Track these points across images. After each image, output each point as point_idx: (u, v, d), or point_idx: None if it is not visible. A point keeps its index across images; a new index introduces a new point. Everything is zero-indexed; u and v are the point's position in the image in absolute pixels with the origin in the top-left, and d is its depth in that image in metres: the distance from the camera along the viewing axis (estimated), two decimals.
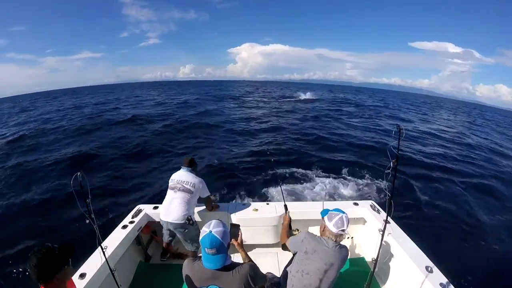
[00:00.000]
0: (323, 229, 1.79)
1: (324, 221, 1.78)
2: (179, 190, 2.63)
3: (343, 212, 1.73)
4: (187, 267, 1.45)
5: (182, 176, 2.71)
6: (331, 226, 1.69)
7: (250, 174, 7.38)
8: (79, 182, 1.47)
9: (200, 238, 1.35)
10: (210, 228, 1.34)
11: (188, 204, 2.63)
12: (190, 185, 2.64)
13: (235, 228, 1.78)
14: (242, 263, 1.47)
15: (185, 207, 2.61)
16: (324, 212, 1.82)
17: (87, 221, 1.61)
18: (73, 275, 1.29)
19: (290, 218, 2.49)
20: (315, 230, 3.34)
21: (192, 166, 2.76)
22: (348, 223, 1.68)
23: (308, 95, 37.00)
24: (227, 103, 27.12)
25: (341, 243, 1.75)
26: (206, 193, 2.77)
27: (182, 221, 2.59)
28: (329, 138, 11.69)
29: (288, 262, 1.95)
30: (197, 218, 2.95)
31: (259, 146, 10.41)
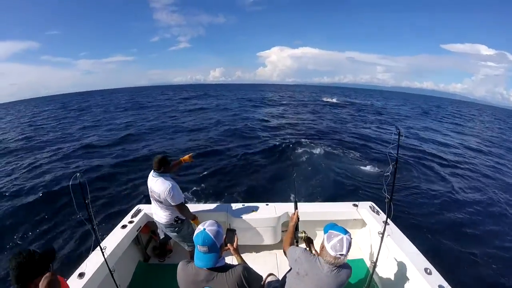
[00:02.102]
0: (322, 248, 1.55)
1: (324, 240, 1.54)
2: (153, 199, 2.48)
3: (345, 233, 1.47)
4: (181, 270, 1.45)
5: (151, 183, 2.42)
6: (329, 248, 1.46)
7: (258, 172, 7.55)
8: (78, 182, 1.48)
9: (194, 235, 1.36)
10: (204, 226, 1.36)
11: (168, 209, 2.48)
12: (157, 195, 2.39)
13: (231, 233, 1.76)
14: (236, 265, 1.47)
15: (167, 211, 2.49)
16: (327, 228, 1.57)
17: (86, 221, 1.61)
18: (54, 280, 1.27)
19: (299, 219, 2.21)
20: (320, 232, 3.32)
21: (161, 168, 2.37)
22: (349, 247, 1.43)
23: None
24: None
25: None
26: (175, 201, 2.36)
27: (169, 223, 2.54)
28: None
29: (289, 270, 1.84)
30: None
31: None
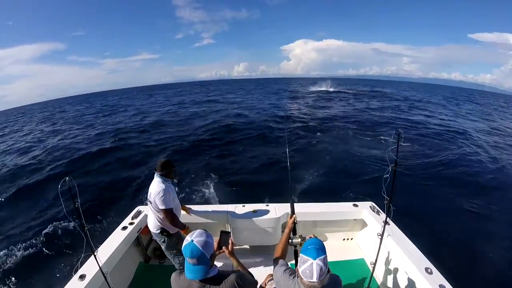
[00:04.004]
0: (297, 270, 1.40)
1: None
2: (148, 200, 2.45)
3: (317, 256, 1.28)
4: (174, 281, 1.43)
5: (151, 184, 2.42)
6: (300, 273, 1.32)
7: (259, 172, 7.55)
8: (68, 186, 1.47)
9: (182, 247, 1.32)
10: (192, 237, 1.30)
11: (159, 215, 2.43)
12: (149, 194, 2.37)
13: (226, 236, 1.72)
14: (229, 272, 1.44)
15: (156, 217, 2.45)
16: (303, 247, 1.39)
17: (77, 226, 1.61)
18: None
19: (295, 223, 2.05)
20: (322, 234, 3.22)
21: (163, 171, 2.37)
22: (320, 273, 1.26)
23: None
24: None
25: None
26: (161, 204, 2.31)
27: (157, 231, 2.50)
28: None
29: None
30: (196, 220, 2.93)
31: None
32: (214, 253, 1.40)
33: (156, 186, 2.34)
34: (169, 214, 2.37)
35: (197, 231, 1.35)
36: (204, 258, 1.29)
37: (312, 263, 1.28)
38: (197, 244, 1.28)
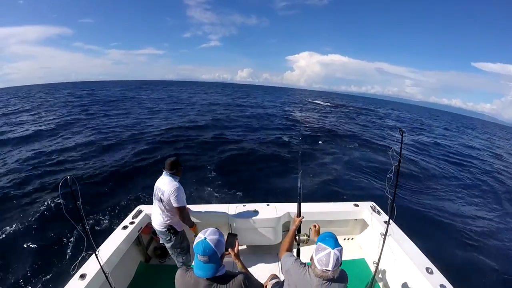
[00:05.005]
0: (311, 259, 1.45)
1: (314, 250, 1.44)
2: (156, 198, 2.47)
3: (334, 246, 1.35)
4: (179, 278, 1.41)
5: (159, 182, 2.45)
6: (316, 261, 1.37)
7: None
8: (69, 185, 1.46)
9: (194, 244, 1.32)
10: (205, 235, 1.31)
11: (167, 212, 2.46)
12: (161, 193, 2.40)
13: (232, 238, 1.72)
14: (236, 273, 1.44)
15: (164, 215, 2.47)
16: (319, 238, 1.47)
17: (79, 224, 1.61)
18: None
19: (301, 222, 2.11)
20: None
21: (174, 169, 2.41)
22: (336, 262, 1.33)
23: None
24: None
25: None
26: (176, 202, 2.36)
27: (163, 229, 2.51)
28: None
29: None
30: (196, 219, 2.93)
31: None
32: (224, 253, 1.40)
33: (168, 185, 2.36)
34: (183, 212, 2.44)
35: (210, 229, 1.35)
36: (215, 256, 1.29)
37: (330, 252, 1.34)
38: (210, 242, 1.28)
